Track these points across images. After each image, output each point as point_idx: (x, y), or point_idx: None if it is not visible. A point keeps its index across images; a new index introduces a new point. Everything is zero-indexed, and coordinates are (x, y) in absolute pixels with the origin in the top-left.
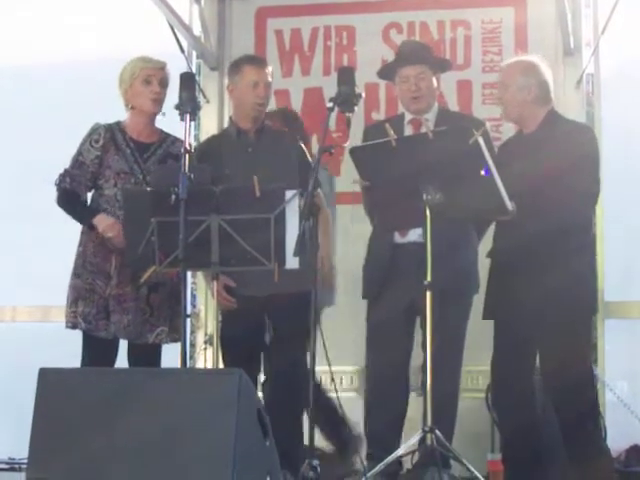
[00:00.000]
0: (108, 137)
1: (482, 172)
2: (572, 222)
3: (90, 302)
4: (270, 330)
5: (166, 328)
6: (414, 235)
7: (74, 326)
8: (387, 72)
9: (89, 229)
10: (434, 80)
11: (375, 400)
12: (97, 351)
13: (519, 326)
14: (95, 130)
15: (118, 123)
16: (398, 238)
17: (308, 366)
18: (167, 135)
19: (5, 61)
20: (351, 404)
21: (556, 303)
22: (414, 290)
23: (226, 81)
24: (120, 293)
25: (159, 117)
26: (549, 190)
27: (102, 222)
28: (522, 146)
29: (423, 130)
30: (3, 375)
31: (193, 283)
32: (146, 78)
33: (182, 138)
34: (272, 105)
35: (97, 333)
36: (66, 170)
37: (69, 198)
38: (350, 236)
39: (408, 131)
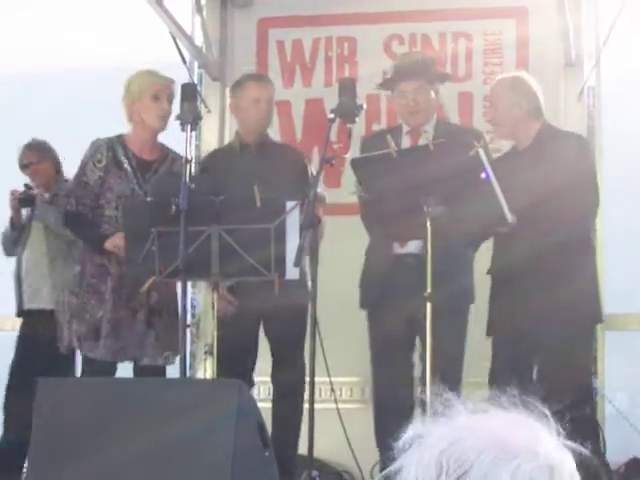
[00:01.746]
0: (110, 156)
1: (482, 175)
2: (572, 236)
3: (83, 322)
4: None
5: (173, 352)
6: (413, 246)
7: (68, 347)
8: (387, 84)
9: (98, 254)
10: (432, 93)
11: (384, 412)
12: (95, 370)
13: (518, 340)
14: (97, 149)
15: (119, 137)
16: (397, 249)
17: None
18: (168, 151)
19: (5, 69)
20: (351, 415)
21: (558, 318)
22: (414, 303)
23: (228, 91)
24: (115, 317)
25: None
26: (548, 205)
27: (115, 245)
28: (518, 162)
29: (422, 141)
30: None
31: (193, 293)
32: (155, 94)
33: (183, 149)
34: (274, 117)
35: (84, 352)
36: (70, 190)
37: (76, 221)
38: (349, 247)
39: (406, 142)
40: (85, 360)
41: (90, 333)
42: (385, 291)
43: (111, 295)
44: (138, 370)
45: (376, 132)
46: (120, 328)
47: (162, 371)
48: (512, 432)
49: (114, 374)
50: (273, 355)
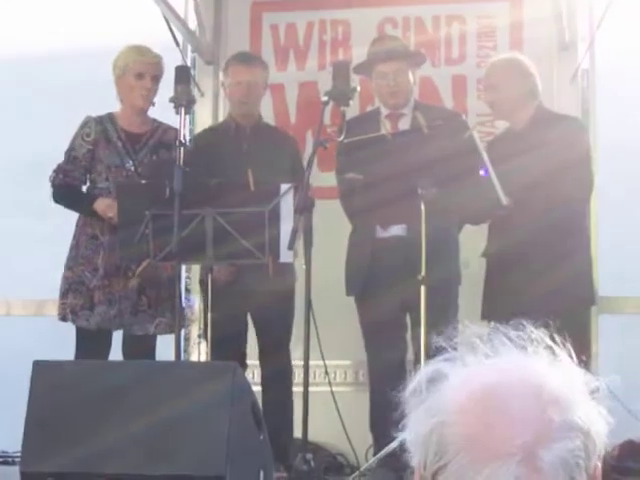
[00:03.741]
0: (99, 130)
1: (481, 172)
2: (567, 218)
3: (78, 294)
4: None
5: (165, 319)
6: (395, 229)
7: (63, 318)
8: (363, 68)
9: (90, 216)
10: (410, 76)
11: (379, 397)
12: (89, 343)
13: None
14: (86, 124)
15: (110, 114)
16: (380, 232)
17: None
18: (159, 124)
19: (1, 51)
20: (345, 398)
21: (554, 300)
22: (403, 286)
23: (221, 75)
24: (106, 284)
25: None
26: (543, 187)
27: (101, 204)
28: (514, 143)
29: (402, 125)
30: None
31: (187, 278)
32: (139, 72)
33: (175, 127)
34: (268, 100)
35: (79, 323)
36: (59, 166)
37: (64, 192)
38: (344, 230)
39: (385, 126)
40: (80, 332)
41: (86, 303)
42: (371, 276)
43: (102, 263)
44: (128, 339)
45: (357, 116)
46: (113, 295)
47: (152, 340)
48: (506, 422)
49: (110, 344)
50: (260, 338)
